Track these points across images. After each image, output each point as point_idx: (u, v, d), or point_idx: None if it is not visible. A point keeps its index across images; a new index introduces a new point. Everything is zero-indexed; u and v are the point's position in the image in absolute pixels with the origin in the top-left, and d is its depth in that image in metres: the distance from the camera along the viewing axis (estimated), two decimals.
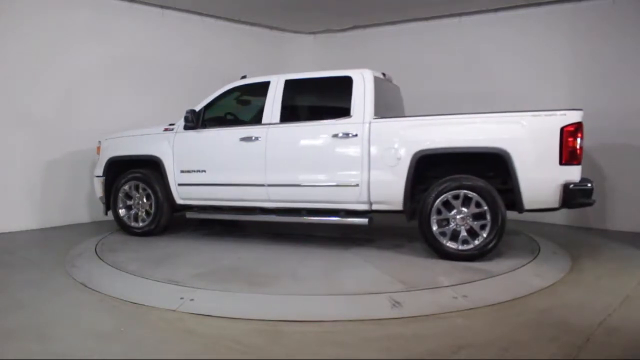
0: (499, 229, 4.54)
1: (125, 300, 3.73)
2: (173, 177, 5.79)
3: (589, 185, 4.43)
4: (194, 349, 2.95)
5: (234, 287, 3.97)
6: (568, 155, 4.36)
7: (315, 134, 5.20)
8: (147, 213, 5.96)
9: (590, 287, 4.09)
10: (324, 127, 5.13)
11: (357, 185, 4.94)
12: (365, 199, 4.96)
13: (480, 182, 4.60)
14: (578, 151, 4.37)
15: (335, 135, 5.02)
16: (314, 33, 9.12)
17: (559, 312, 3.49)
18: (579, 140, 4.36)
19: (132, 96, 7.37)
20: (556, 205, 4.44)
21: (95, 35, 6.99)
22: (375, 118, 4.97)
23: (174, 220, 6.21)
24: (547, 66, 6.94)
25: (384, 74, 5.52)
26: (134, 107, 7.36)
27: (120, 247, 5.48)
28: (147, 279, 4.19)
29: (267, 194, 5.35)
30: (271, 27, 8.82)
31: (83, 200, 7.10)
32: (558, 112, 4.42)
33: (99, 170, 6.15)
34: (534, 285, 4.04)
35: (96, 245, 5.49)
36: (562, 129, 4.36)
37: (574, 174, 4.40)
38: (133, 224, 6.03)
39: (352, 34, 8.72)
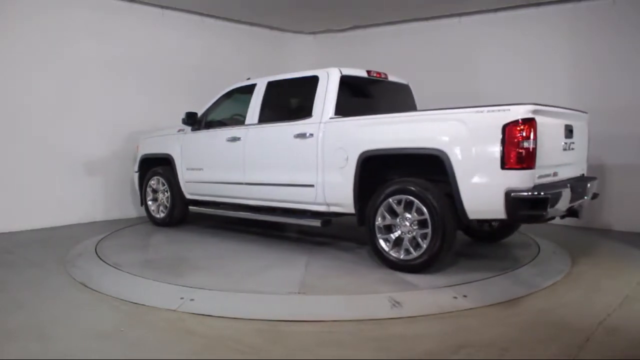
0: (442, 240, 4.06)
1: (125, 300, 3.73)
2: (182, 174, 6.30)
3: (542, 194, 3.71)
4: (194, 349, 2.95)
5: (149, 274, 4.30)
6: (512, 157, 3.74)
7: (281, 135, 5.19)
8: (165, 206, 6.61)
9: (590, 287, 4.08)
10: (288, 127, 5.12)
11: (313, 186, 4.87)
12: (322, 200, 4.87)
13: (420, 187, 4.16)
14: (526, 153, 3.72)
15: (297, 136, 4.99)
16: (314, 33, 9.12)
17: (559, 312, 3.49)
18: (528, 140, 3.71)
19: (132, 96, 7.37)
20: (502, 216, 3.84)
21: (95, 35, 6.99)
22: (332, 118, 4.82)
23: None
24: (547, 66, 6.94)
25: (368, 72, 5.25)
26: (134, 107, 7.37)
27: (115, 236, 6.09)
28: (147, 279, 4.19)
29: (246, 192, 5.57)
30: (271, 27, 8.83)
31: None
32: (501, 108, 3.84)
33: (135, 167, 6.91)
34: (534, 285, 4.04)
35: (96, 244, 5.49)
36: (504, 127, 3.76)
37: (521, 180, 3.75)
38: (156, 215, 6.73)
39: (352, 34, 8.72)
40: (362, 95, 5.37)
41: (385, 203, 4.36)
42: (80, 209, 7.03)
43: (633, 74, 6.34)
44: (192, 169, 6.16)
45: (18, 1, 6.40)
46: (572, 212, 4.33)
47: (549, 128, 3.99)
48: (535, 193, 3.73)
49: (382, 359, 2.83)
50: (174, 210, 6.50)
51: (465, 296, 3.72)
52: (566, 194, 4.01)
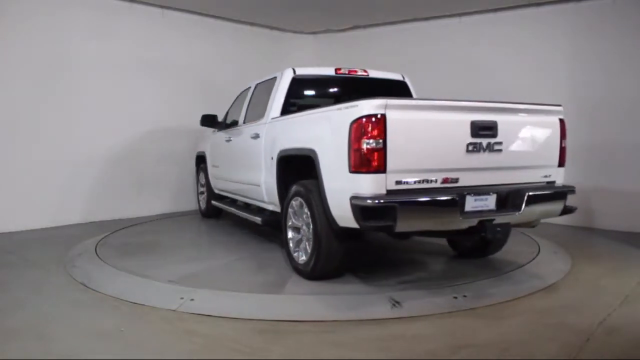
0: (318, 246, 3.78)
1: (125, 300, 3.73)
2: (210, 170, 6.87)
3: (383, 203, 3.24)
4: (194, 349, 2.95)
5: (107, 255, 4.91)
6: (357, 159, 3.31)
7: (244, 135, 5.42)
8: (205, 199, 7.30)
9: (590, 287, 4.09)
10: (248, 128, 5.35)
11: (260, 185, 4.95)
12: (267, 199, 4.92)
13: (306, 189, 3.94)
14: (371, 154, 3.27)
15: (251, 136, 5.13)
16: (314, 33, 9.12)
17: (559, 312, 3.49)
18: (375, 139, 3.25)
19: (132, 96, 7.36)
20: (356, 224, 3.41)
21: (95, 35, 6.99)
22: (274, 118, 4.81)
23: None
24: (547, 66, 6.94)
25: (337, 70, 5.10)
26: (134, 107, 7.37)
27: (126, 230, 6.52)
28: (147, 278, 4.19)
29: (232, 188, 6.00)
30: (271, 27, 8.83)
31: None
32: (353, 104, 3.40)
33: (194, 163, 7.58)
34: (534, 285, 4.04)
35: (96, 244, 5.49)
36: (350, 125, 3.35)
37: (367, 185, 3.29)
38: (202, 207, 7.44)
39: (352, 34, 8.73)
40: (331, 95, 5.37)
41: (290, 204, 4.26)
42: (79, 209, 7.02)
43: (633, 73, 6.33)
44: (214, 166, 6.70)
45: (18, 1, 6.40)
46: (481, 228, 3.67)
47: (431, 125, 3.47)
48: (376, 202, 3.24)
49: (382, 359, 2.83)
50: (209, 202, 7.07)
51: (465, 296, 3.72)
52: (461, 203, 3.46)
